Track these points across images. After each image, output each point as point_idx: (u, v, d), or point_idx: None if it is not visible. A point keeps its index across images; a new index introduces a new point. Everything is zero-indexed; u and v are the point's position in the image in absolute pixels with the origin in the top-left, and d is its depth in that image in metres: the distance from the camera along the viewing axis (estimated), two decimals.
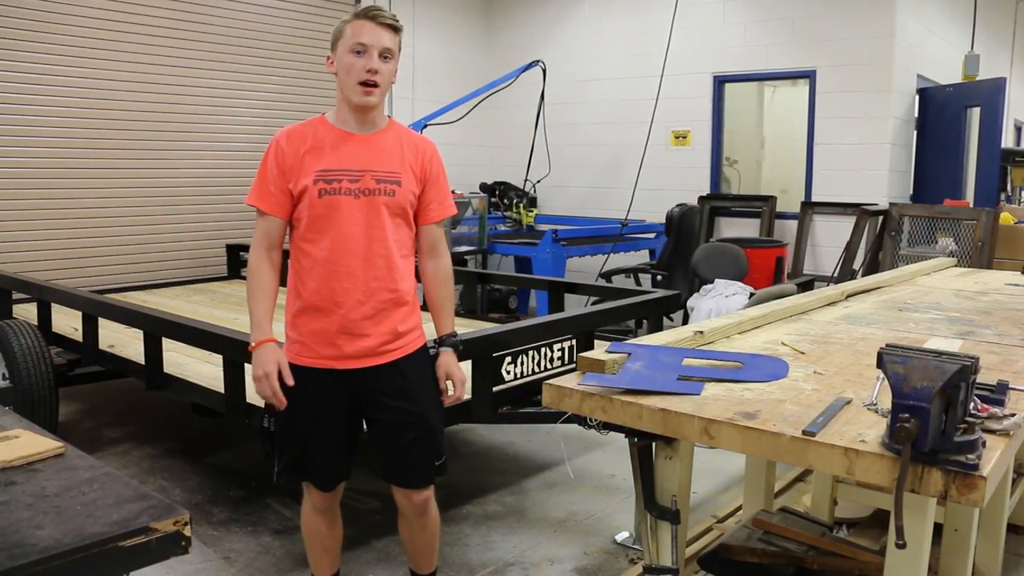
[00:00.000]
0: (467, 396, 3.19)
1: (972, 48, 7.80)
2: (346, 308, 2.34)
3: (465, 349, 3.00)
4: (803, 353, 2.32)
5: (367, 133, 2.38)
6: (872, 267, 6.30)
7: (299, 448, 2.43)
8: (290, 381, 2.31)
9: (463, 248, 6.57)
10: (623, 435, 2.09)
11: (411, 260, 2.48)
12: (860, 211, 6.33)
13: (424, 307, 2.57)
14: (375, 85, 2.30)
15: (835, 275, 6.29)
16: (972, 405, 1.55)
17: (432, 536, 2.64)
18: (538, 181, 7.99)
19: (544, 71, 6.97)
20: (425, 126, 6.80)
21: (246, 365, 3.16)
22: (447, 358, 2.51)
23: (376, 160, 2.36)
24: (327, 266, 2.32)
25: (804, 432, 1.61)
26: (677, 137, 7.72)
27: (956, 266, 4.65)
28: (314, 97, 7.12)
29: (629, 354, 2.11)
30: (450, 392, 2.53)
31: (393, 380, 2.42)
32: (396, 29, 2.34)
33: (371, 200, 2.33)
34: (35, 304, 4.64)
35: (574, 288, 4.78)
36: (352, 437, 2.48)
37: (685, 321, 5.54)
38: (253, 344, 2.32)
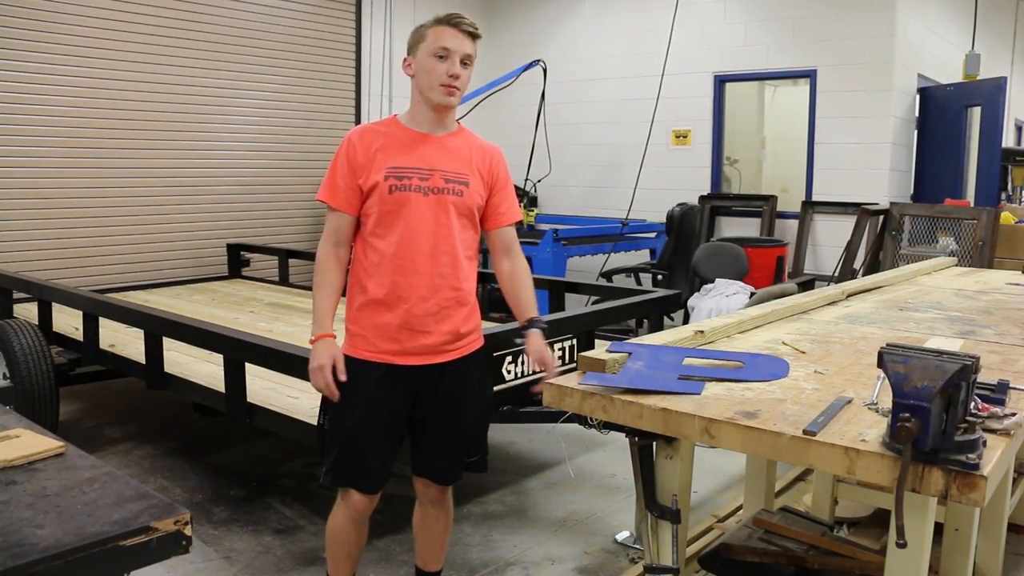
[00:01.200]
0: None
1: (973, 47, 7.79)
2: (410, 303, 2.37)
3: None
4: (804, 352, 2.32)
5: (439, 135, 2.44)
6: (873, 266, 6.30)
7: (347, 445, 2.43)
8: (343, 376, 2.36)
9: None
10: (624, 434, 2.09)
11: (475, 263, 2.54)
12: (861, 210, 6.33)
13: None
14: (457, 88, 2.37)
15: (836, 274, 6.29)
16: (973, 404, 1.55)
17: (445, 529, 2.67)
18: (539, 180, 7.98)
19: (544, 71, 6.97)
20: None
21: (247, 365, 3.18)
22: (537, 340, 2.50)
23: (446, 161, 2.42)
24: (394, 261, 2.36)
25: (805, 432, 1.61)
26: (678, 136, 7.72)
27: (957, 265, 4.65)
28: (317, 97, 7.12)
29: (630, 353, 2.11)
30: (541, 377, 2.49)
31: (445, 381, 2.46)
32: (476, 36, 2.41)
33: (440, 199, 2.39)
34: (36, 303, 4.64)
35: (575, 288, 4.77)
36: (399, 437, 2.50)
37: (686, 320, 5.54)
38: (313, 338, 2.38)
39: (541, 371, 2.52)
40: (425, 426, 2.50)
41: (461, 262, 2.44)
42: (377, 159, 2.36)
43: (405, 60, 2.44)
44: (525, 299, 2.58)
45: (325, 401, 2.48)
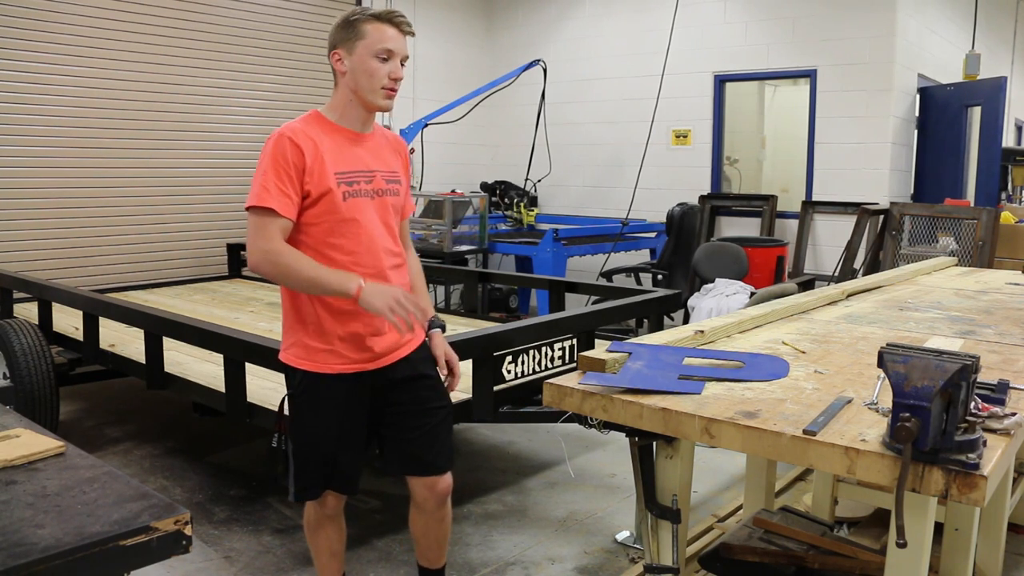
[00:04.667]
0: (467, 395, 3.21)
1: (973, 47, 7.79)
2: None
3: (466, 348, 3.01)
4: (804, 352, 2.32)
5: (368, 133, 2.40)
6: (873, 266, 6.30)
7: (324, 461, 2.38)
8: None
9: (463, 247, 6.57)
10: (624, 434, 2.09)
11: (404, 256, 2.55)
12: (861, 210, 6.33)
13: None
14: (396, 91, 2.34)
15: (836, 274, 6.29)
16: (973, 404, 1.55)
17: (448, 527, 2.61)
18: (539, 180, 7.99)
19: (545, 70, 6.98)
20: (425, 125, 6.80)
21: (246, 364, 3.18)
22: (440, 339, 2.53)
23: (380, 160, 2.40)
24: (355, 269, 2.30)
25: (805, 431, 1.61)
26: (678, 136, 7.72)
27: (957, 265, 4.65)
28: (316, 97, 7.12)
29: (630, 353, 2.11)
30: (447, 376, 2.54)
31: (411, 368, 2.44)
32: (412, 35, 2.39)
33: (383, 200, 2.37)
34: (36, 303, 4.64)
35: (575, 287, 4.78)
36: (370, 434, 2.46)
37: (686, 320, 5.54)
38: (360, 285, 2.17)
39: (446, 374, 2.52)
40: (411, 418, 2.43)
41: (402, 258, 2.46)
42: (324, 163, 2.23)
43: (334, 53, 2.30)
44: (426, 296, 2.63)
45: (289, 421, 2.37)
